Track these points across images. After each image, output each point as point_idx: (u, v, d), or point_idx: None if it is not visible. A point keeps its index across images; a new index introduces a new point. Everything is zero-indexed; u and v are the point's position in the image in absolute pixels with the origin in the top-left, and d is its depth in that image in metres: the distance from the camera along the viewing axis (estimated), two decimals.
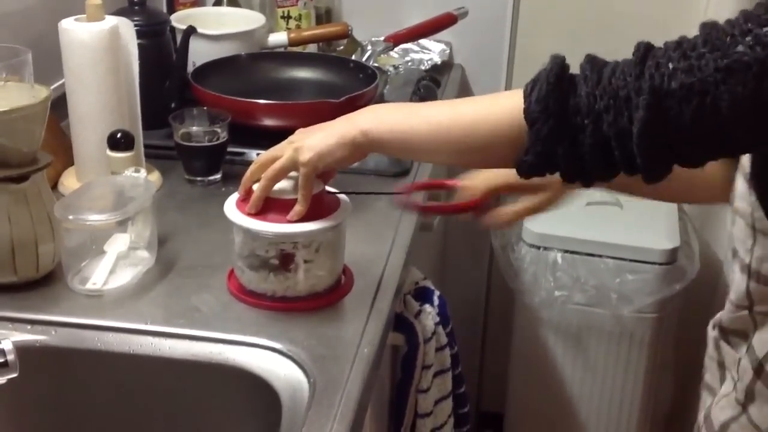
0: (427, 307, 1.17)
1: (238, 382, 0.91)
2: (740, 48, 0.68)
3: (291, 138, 0.93)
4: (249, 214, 0.94)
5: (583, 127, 0.74)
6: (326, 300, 0.98)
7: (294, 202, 0.92)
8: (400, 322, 1.14)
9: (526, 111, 0.76)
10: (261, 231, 0.94)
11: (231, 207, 0.96)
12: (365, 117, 0.89)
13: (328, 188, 0.98)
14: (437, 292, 1.21)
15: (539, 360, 1.85)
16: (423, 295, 1.19)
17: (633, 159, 0.73)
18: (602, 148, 0.73)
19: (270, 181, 0.92)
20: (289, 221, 0.93)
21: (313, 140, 0.90)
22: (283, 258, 0.95)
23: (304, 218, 0.93)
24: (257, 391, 0.89)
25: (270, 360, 0.90)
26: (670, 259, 1.70)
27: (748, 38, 0.68)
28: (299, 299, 0.97)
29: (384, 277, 1.05)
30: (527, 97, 0.76)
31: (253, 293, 0.98)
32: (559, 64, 0.76)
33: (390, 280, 1.05)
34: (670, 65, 0.70)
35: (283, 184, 0.94)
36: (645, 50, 0.73)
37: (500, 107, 0.79)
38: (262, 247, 0.95)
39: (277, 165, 0.92)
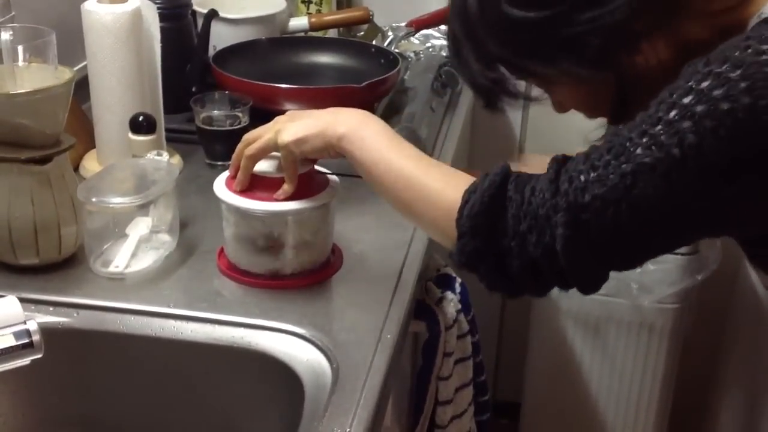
0: (449, 294, 1.16)
1: (260, 367, 0.91)
2: (639, 150, 0.67)
3: (278, 118, 0.94)
4: (236, 192, 0.95)
5: (509, 250, 0.74)
6: (315, 278, 1.00)
7: (282, 180, 0.94)
8: (422, 309, 1.13)
9: (458, 222, 0.77)
10: (247, 209, 0.95)
11: (220, 185, 0.98)
12: (349, 122, 0.88)
13: (318, 168, 0.99)
14: (459, 279, 1.20)
15: (557, 350, 1.84)
16: (445, 282, 1.18)
17: (563, 275, 0.73)
18: (531, 268, 0.74)
19: (250, 160, 0.94)
20: (276, 200, 0.94)
21: (295, 126, 0.91)
22: (269, 236, 0.97)
23: (295, 197, 0.94)
24: (280, 376, 0.89)
25: (293, 345, 0.90)
26: (692, 249, 1.68)
27: (645, 139, 0.68)
28: (288, 277, 0.99)
29: (406, 263, 1.04)
30: (462, 208, 0.77)
31: (242, 270, 0.99)
32: (499, 180, 0.75)
33: (412, 267, 1.04)
34: (582, 177, 0.70)
35: (273, 163, 0.95)
36: (558, 165, 0.74)
37: (448, 197, 0.79)
38: (250, 225, 0.97)
39: (256, 144, 0.93)
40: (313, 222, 0.99)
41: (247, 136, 0.95)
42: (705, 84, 0.65)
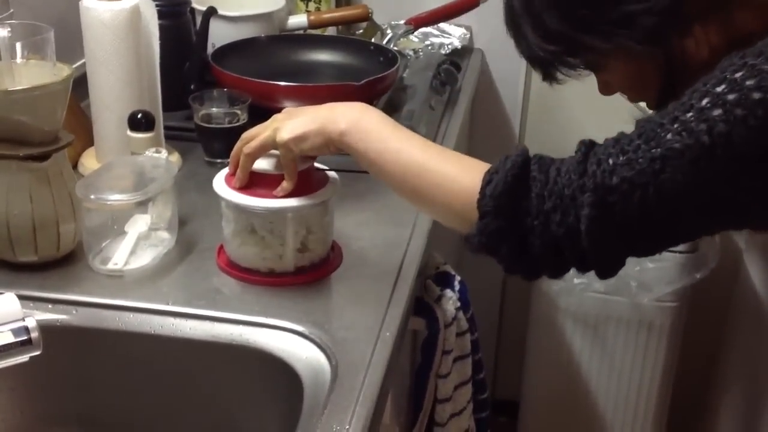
0: (448, 292, 1.16)
1: (259, 364, 0.90)
2: (669, 136, 0.69)
3: (276, 116, 0.94)
4: (235, 188, 0.95)
5: (532, 228, 0.74)
6: (314, 275, 1.00)
7: (282, 178, 0.94)
8: (421, 307, 1.13)
9: (479, 202, 0.77)
10: (247, 206, 0.95)
11: (219, 182, 0.98)
12: (349, 116, 0.88)
13: (318, 165, 0.99)
14: (458, 277, 1.20)
15: (556, 348, 1.84)
16: (444, 280, 1.18)
17: (584, 257, 0.74)
18: (552, 249, 0.74)
19: (249, 157, 0.94)
20: (275, 197, 0.94)
21: (294, 123, 0.90)
22: (269, 233, 0.97)
23: (295, 194, 0.94)
24: (279, 373, 0.88)
25: (292, 342, 0.90)
26: (691, 247, 1.68)
27: (676, 125, 0.69)
28: (287, 274, 0.98)
29: (405, 261, 1.04)
30: (483, 188, 0.77)
31: (241, 268, 0.99)
32: (521, 161, 0.76)
33: (411, 265, 1.04)
34: (610, 161, 0.71)
35: (273, 160, 0.94)
36: (587, 148, 0.74)
37: (463, 181, 0.79)
38: (249, 222, 0.97)
39: (255, 142, 0.93)
40: (312, 219, 0.98)
41: (245, 134, 0.95)
42: (738, 74, 0.67)
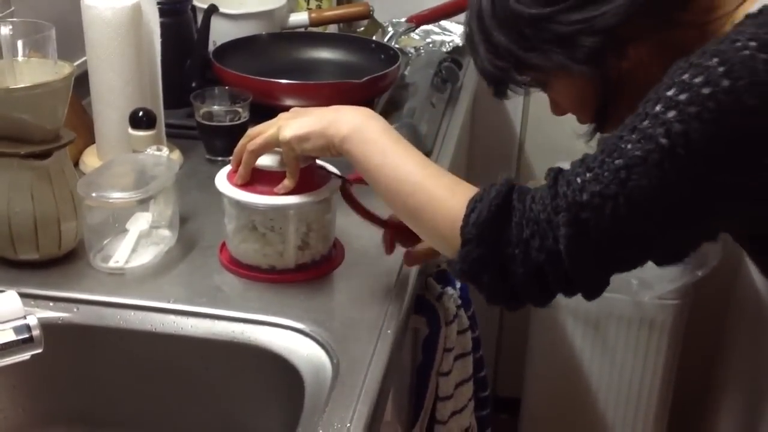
0: (449, 289, 1.16)
1: (260, 362, 0.90)
2: (630, 146, 0.70)
3: (282, 114, 0.94)
4: (237, 185, 0.96)
5: (513, 257, 0.75)
6: (316, 272, 1.00)
7: (284, 175, 0.94)
8: (422, 305, 1.13)
9: (462, 229, 0.77)
10: (248, 202, 0.95)
11: (222, 178, 0.98)
12: (352, 123, 0.88)
13: (320, 162, 0.99)
14: None
15: (557, 346, 1.84)
16: (445, 278, 1.18)
17: (568, 280, 0.74)
18: (535, 276, 0.75)
19: (252, 154, 0.94)
20: (276, 194, 0.94)
21: (298, 123, 0.91)
22: (271, 230, 0.97)
23: (296, 191, 0.94)
24: (280, 371, 0.89)
25: (293, 340, 0.90)
26: None
27: (634, 134, 0.70)
28: (289, 271, 0.99)
29: None
30: (467, 216, 0.77)
31: (243, 265, 0.99)
32: (505, 191, 0.77)
33: None
34: (578, 180, 0.72)
35: (275, 158, 0.95)
36: (555, 174, 0.76)
37: (450, 204, 0.80)
38: (251, 219, 0.97)
39: (259, 140, 0.93)
40: (314, 216, 0.98)
41: (250, 131, 0.95)
42: (686, 75, 0.68)
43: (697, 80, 0.67)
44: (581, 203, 0.71)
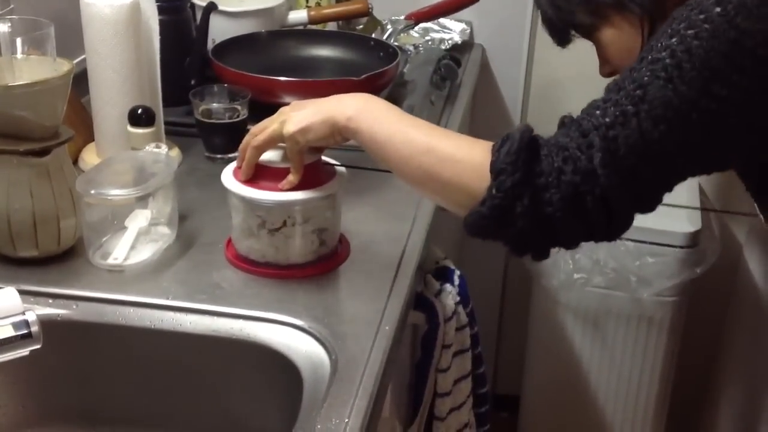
0: (448, 286, 1.17)
1: (259, 359, 0.91)
2: (641, 72, 0.77)
3: (283, 109, 0.95)
4: (242, 181, 0.96)
5: (546, 186, 0.78)
6: (322, 267, 1.00)
7: (288, 171, 0.94)
8: (421, 301, 1.14)
9: (493, 163, 0.79)
10: (253, 198, 0.95)
11: (228, 174, 0.98)
12: (354, 103, 0.89)
13: (325, 158, 0.99)
14: (458, 272, 1.20)
15: (556, 343, 1.84)
16: (443, 275, 1.18)
17: (605, 200, 0.77)
18: (572, 200, 0.77)
19: (256, 150, 0.95)
20: (281, 189, 0.94)
21: (300, 115, 0.91)
22: (276, 225, 0.97)
23: (301, 187, 0.94)
24: (278, 367, 0.89)
25: (291, 336, 0.90)
26: (691, 242, 1.69)
27: (643, 63, 0.77)
28: (295, 267, 0.99)
29: (405, 255, 1.04)
30: (496, 151, 0.80)
31: (250, 260, 0.99)
32: (529, 130, 0.80)
33: (410, 259, 1.04)
34: (598, 111, 0.79)
35: (281, 153, 0.95)
36: (570, 117, 0.82)
37: (471, 155, 0.82)
38: (257, 215, 0.97)
39: (262, 136, 0.94)
40: (320, 212, 0.98)
41: (254, 128, 0.96)
42: (684, 12, 0.77)
43: (693, 12, 0.76)
44: (606, 124, 0.77)
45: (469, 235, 0.83)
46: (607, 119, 0.77)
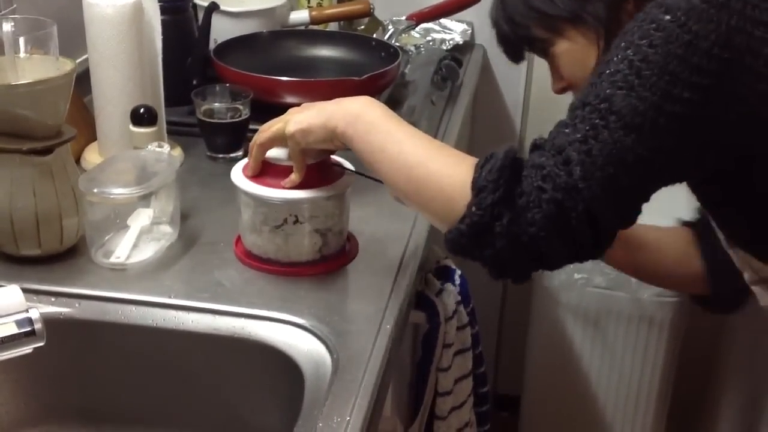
0: (449, 285, 1.17)
1: (260, 357, 0.91)
2: (602, 85, 0.77)
3: (291, 109, 0.96)
4: (248, 177, 0.97)
5: (527, 206, 0.77)
6: (330, 265, 1.00)
7: (292, 169, 0.95)
8: (422, 301, 1.14)
9: (475, 180, 0.79)
10: (262, 196, 0.96)
11: (237, 170, 0.99)
12: (352, 110, 0.89)
13: (336, 158, 1.00)
14: (459, 271, 1.21)
15: (557, 343, 1.84)
16: (444, 274, 1.18)
17: (589, 215, 0.76)
18: (555, 219, 0.76)
19: (260, 147, 0.96)
20: (283, 188, 0.95)
21: (302, 117, 0.92)
22: (276, 222, 0.98)
23: (304, 186, 0.95)
24: (280, 365, 0.89)
25: (293, 335, 0.90)
26: None
27: (602, 78, 0.78)
28: (296, 265, 0.99)
29: (406, 254, 1.05)
30: (479, 168, 0.80)
31: (252, 255, 1.00)
32: (514, 151, 0.80)
33: (412, 258, 1.04)
34: (566, 129, 0.78)
35: (287, 152, 0.96)
36: (542, 138, 0.81)
37: (460, 170, 0.82)
38: (265, 212, 0.98)
39: (266, 134, 0.95)
40: (327, 210, 0.99)
41: (262, 127, 0.97)
42: (635, 25, 0.78)
43: (644, 23, 0.77)
44: (579, 139, 0.77)
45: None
46: (578, 135, 0.77)
